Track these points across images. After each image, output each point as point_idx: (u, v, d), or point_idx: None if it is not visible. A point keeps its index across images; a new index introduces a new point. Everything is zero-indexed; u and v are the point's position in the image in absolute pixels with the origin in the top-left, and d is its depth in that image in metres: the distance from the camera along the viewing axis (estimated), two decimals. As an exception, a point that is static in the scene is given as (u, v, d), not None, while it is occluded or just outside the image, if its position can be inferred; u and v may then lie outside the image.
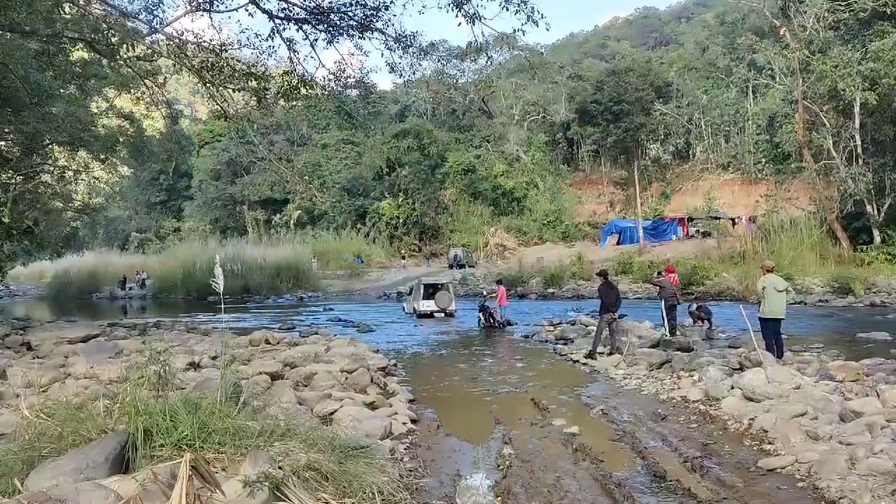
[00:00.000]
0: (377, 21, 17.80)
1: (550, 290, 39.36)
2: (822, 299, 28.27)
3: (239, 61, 19.09)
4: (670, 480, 6.91)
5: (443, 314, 25.95)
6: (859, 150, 33.98)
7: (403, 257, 61.48)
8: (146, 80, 22.21)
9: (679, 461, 7.62)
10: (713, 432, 8.76)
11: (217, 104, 19.99)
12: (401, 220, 64.52)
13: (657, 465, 7.40)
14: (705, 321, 18.41)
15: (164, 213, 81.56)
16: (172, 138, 36.64)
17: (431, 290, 27.10)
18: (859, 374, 10.63)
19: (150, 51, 18.99)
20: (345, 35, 18.19)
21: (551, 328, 20.33)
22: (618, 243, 53.56)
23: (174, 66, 18.89)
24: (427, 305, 26.29)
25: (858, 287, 28.17)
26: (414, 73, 19.95)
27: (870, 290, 28.07)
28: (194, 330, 19.97)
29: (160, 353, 8.13)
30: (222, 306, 7.52)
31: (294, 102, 21.32)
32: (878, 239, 33.18)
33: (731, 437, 8.49)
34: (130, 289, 48.13)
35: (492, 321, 22.53)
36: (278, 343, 15.68)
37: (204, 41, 18.17)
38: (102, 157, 28.78)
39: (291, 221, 69.24)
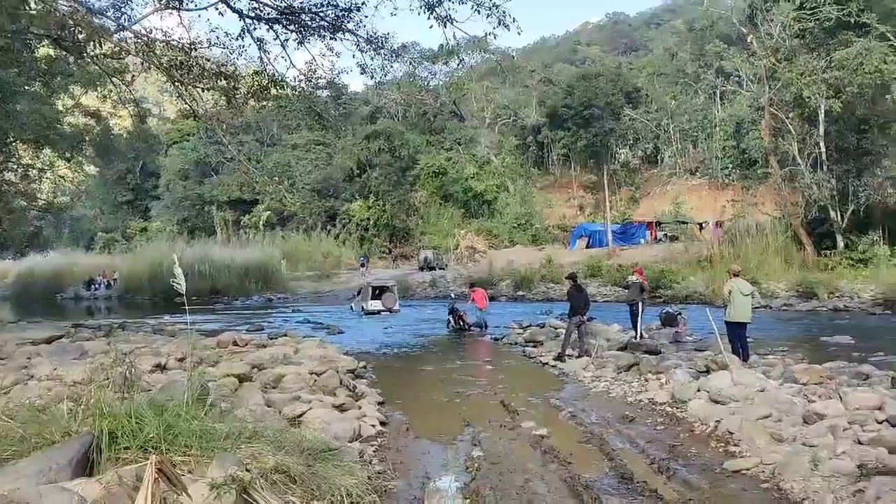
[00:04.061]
0: (348, 22, 17.77)
1: (520, 293, 39.49)
2: (787, 303, 28.71)
3: (208, 60, 18.88)
4: (637, 482, 6.98)
5: (388, 312, 28.66)
6: (824, 156, 34.58)
7: (383, 258, 61.26)
8: (113, 78, 21.87)
9: (646, 463, 7.71)
10: (680, 434, 8.87)
11: (186, 103, 19.74)
12: (371, 222, 64.29)
13: (625, 466, 7.47)
14: (674, 325, 18.62)
15: (131, 213, 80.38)
16: (140, 137, 36.12)
17: (378, 291, 29.95)
18: (823, 378, 10.81)
19: (117, 48, 18.68)
20: (316, 35, 18.11)
21: (521, 331, 20.40)
22: (587, 247, 53.91)
23: (142, 64, 18.59)
24: (374, 305, 29.10)
25: (822, 292, 28.65)
26: (385, 75, 19.99)
27: (833, 294, 28.57)
28: (161, 331, 19.72)
29: (126, 355, 8.04)
30: (186, 307, 7.44)
31: (264, 102, 21.19)
32: (841, 244, 33.79)
33: (697, 439, 8.60)
34: (96, 289, 47.39)
35: (462, 324, 22.54)
36: (246, 345, 15.51)
37: (173, 39, 17.96)
38: (68, 155, 28.33)
39: (261, 222, 68.59)
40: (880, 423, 7.86)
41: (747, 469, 7.23)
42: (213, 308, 33.53)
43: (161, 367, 11.24)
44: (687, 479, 7.05)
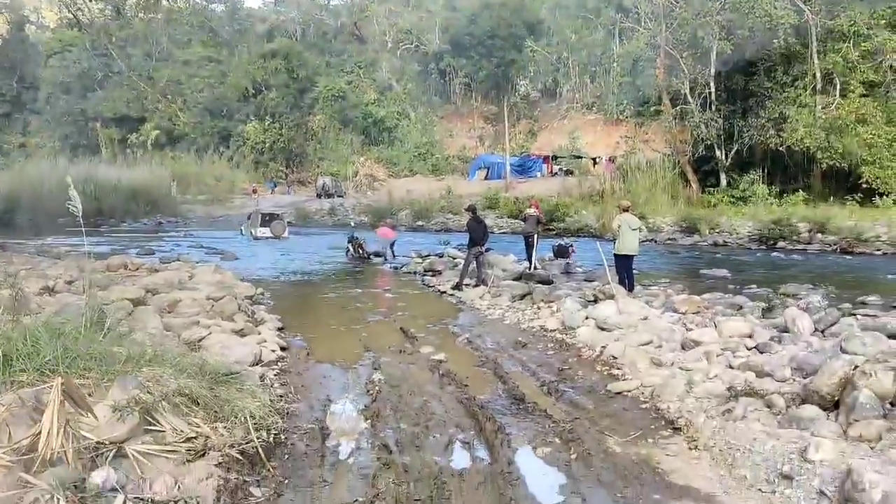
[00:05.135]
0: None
1: (419, 223, 39.72)
2: (671, 238, 30.15)
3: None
4: (528, 403, 7.39)
5: (276, 239, 29.30)
6: (713, 97, 35.98)
7: (277, 185, 59.84)
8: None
9: (537, 385, 8.15)
10: (568, 359, 9.36)
11: (70, 12, 18.49)
12: (267, 145, 62.45)
13: (517, 388, 7.87)
14: (566, 257, 19.30)
15: (8, 127, 74.99)
16: (16, 45, 33.53)
17: (268, 219, 30.70)
18: (700, 308, 11.57)
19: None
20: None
21: (420, 260, 20.64)
22: (486, 178, 54.46)
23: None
24: (263, 232, 29.75)
25: (704, 227, 30.18)
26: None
27: (714, 230, 30.13)
28: (46, 253, 18.86)
29: (12, 276, 7.74)
30: (83, 230, 7.20)
31: (154, 14, 20.06)
32: (724, 182, 35.57)
33: (584, 364, 9.10)
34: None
35: (361, 252, 22.59)
36: (138, 269, 15.09)
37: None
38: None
39: (149, 142, 65.46)
40: (750, 349, 8.55)
41: (629, 391, 7.76)
42: (98, 231, 32.18)
43: (49, 290, 10.84)
44: (574, 400, 7.53)
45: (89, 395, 5.03)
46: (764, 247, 26.89)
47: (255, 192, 50.93)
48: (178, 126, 67.33)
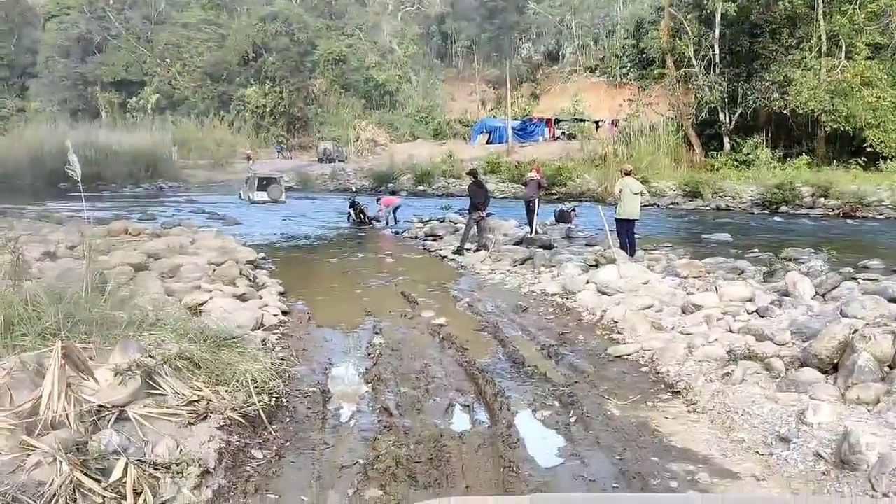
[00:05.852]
0: None
1: (421, 188, 39.56)
2: (674, 202, 30.06)
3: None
4: (528, 366, 7.43)
5: (273, 203, 29.30)
6: (717, 59, 35.62)
7: (284, 148, 59.52)
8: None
9: (537, 349, 8.19)
10: (569, 323, 9.39)
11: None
12: (268, 110, 62.00)
13: (517, 352, 7.91)
14: (568, 221, 19.29)
15: (7, 92, 74.41)
16: (13, 8, 33.15)
17: (265, 183, 30.76)
18: (701, 272, 11.58)
19: None
20: None
21: (421, 225, 20.63)
22: (488, 142, 54.16)
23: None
24: (260, 196, 29.80)
25: (707, 191, 30.06)
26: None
27: (716, 194, 30.01)
28: (46, 218, 18.85)
29: (12, 242, 7.74)
30: (82, 194, 7.18)
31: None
32: (727, 146, 35.35)
33: (584, 328, 9.14)
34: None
35: (362, 217, 22.56)
36: (139, 234, 15.07)
37: None
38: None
39: (149, 106, 65.00)
40: (750, 313, 8.56)
41: (629, 354, 7.79)
42: (99, 195, 32.10)
43: (51, 255, 10.85)
44: (574, 364, 7.56)
45: (91, 359, 5.05)
46: (766, 211, 26.83)
47: (248, 158, 50.70)
48: (179, 90, 66.84)
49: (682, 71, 36.78)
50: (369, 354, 7.80)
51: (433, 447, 5.35)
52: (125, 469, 3.92)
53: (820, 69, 32.01)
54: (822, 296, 9.30)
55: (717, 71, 35.12)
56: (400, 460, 5.10)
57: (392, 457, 5.14)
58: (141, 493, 3.90)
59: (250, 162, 49.45)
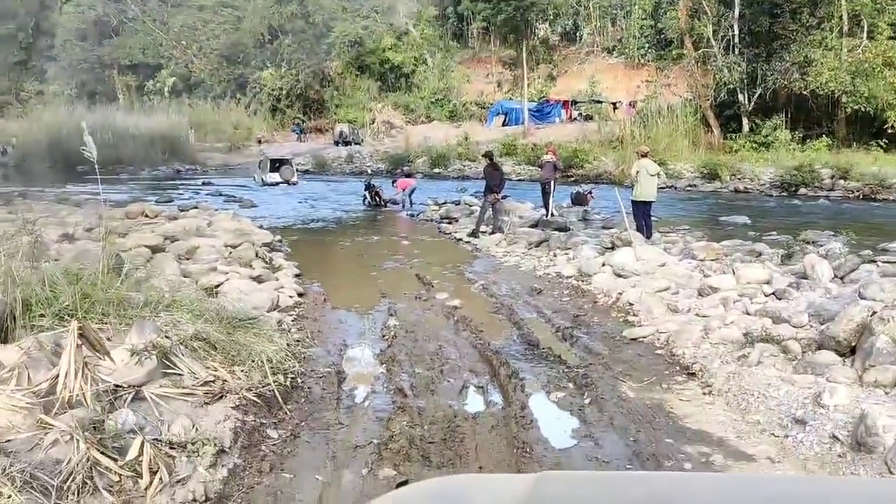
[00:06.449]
0: None
1: (436, 170, 39.48)
2: (692, 184, 29.81)
3: None
4: (543, 348, 7.42)
5: (286, 184, 29.44)
6: (736, 39, 35.15)
7: (303, 131, 59.49)
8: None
9: (552, 331, 8.17)
10: (584, 306, 9.36)
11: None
12: (284, 92, 61.92)
13: (532, 334, 7.90)
14: (584, 204, 19.21)
15: (25, 75, 74.86)
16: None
17: (278, 164, 30.81)
18: (719, 254, 11.50)
19: None
20: None
21: (437, 207, 20.60)
22: (504, 124, 53.86)
23: None
24: (273, 177, 29.84)
25: (725, 173, 29.77)
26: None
27: (735, 176, 29.72)
28: (65, 201, 19.01)
29: (31, 223, 7.80)
30: (98, 177, 7.22)
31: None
32: (746, 128, 34.94)
33: (599, 310, 9.10)
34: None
35: (378, 200, 22.56)
36: (156, 216, 15.15)
37: None
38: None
39: (166, 89, 65.12)
40: (767, 296, 8.49)
41: (644, 337, 7.75)
42: (118, 178, 32.34)
43: (69, 237, 10.94)
44: (588, 346, 7.54)
45: (108, 339, 5.10)
46: (785, 193, 26.57)
47: (259, 142, 50.83)
48: (195, 73, 66.95)
49: (700, 52, 36.33)
50: (384, 336, 7.82)
51: (447, 428, 5.37)
52: (141, 448, 3.97)
53: (841, 49, 31.49)
54: (841, 278, 9.21)
55: (737, 51, 34.65)
56: (414, 440, 5.13)
57: (406, 437, 5.16)
58: (157, 471, 3.95)
59: (262, 146, 49.59)
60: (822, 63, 31.07)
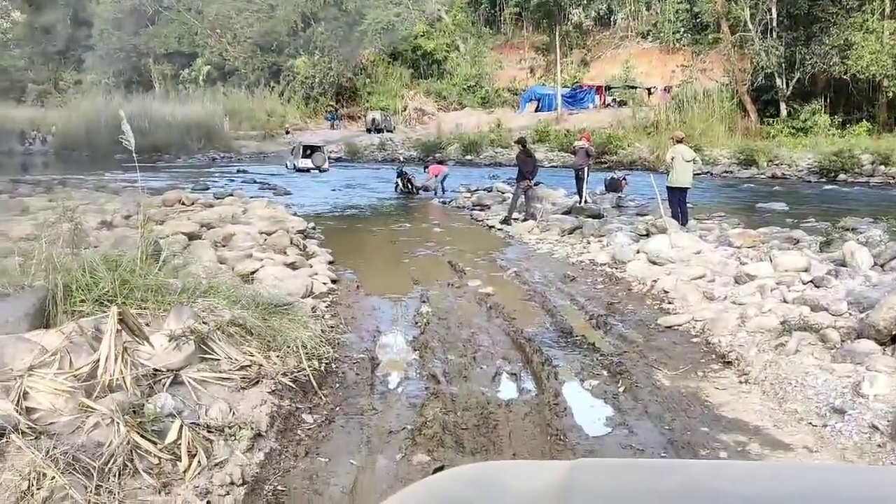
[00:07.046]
0: None
1: (468, 157, 39.40)
2: (728, 170, 29.41)
3: None
4: (576, 336, 7.39)
5: (318, 170, 30.29)
6: (774, 23, 34.49)
7: (337, 117, 59.79)
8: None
9: (585, 319, 8.13)
10: (618, 293, 9.30)
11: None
12: (316, 80, 62.15)
13: (565, 322, 7.87)
14: (618, 190, 19.06)
15: (64, 65, 76.08)
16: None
17: (310, 151, 31.66)
18: (756, 241, 11.31)
19: None
20: None
21: (469, 195, 20.58)
22: (536, 110, 53.54)
23: None
24: (304, 163, 30.71)
25: (762, 159, 29.33)
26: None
27: (772, 162, 29.27)
28: (103, 188, 19.34)
29: (71, 211, 7.95)
30: (136, 165, 7.32)
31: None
32: (784, 112, 34.34)
33: (634, 298, 9.03)
34: (30, 144, 45.58)
35: (410, 187, 22.61)
36: (193, 204, 15.35)
37: None
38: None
39: (200, 77, 65.74)
40: (805, 283, 8.34)
41: (679, 325, 7.68)
42: (154, 166, 32.80)
43: (107, 224, 11.15)
44: (623, 334, 7.49)
45: (147, 325, 5.19)
46: (824, 179, 26.10)
47: (287, 132, 51.22)
48: (229, 61, 67.46)
49: (737, 35, 35.72)
50: (416, 323, 7.85)
51: (480, 414, 5.38)
52: (180, 431, 4.04)
53: (883, 32, 30.75)
54: (881, 266, 9.01)
55: (774, 35, 34.03)
56: (447, 426, 5.15)
57: (439, 423, 5.18)
58: (195, 454, 4.01)
59: (289, 136, 50.01)
60: (862, 46, 30.40)
